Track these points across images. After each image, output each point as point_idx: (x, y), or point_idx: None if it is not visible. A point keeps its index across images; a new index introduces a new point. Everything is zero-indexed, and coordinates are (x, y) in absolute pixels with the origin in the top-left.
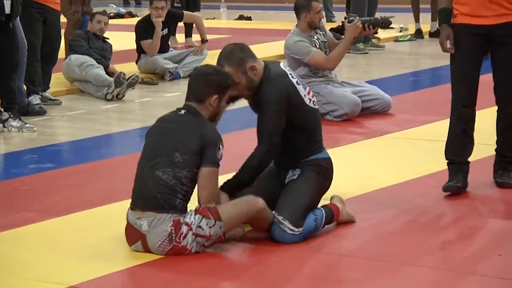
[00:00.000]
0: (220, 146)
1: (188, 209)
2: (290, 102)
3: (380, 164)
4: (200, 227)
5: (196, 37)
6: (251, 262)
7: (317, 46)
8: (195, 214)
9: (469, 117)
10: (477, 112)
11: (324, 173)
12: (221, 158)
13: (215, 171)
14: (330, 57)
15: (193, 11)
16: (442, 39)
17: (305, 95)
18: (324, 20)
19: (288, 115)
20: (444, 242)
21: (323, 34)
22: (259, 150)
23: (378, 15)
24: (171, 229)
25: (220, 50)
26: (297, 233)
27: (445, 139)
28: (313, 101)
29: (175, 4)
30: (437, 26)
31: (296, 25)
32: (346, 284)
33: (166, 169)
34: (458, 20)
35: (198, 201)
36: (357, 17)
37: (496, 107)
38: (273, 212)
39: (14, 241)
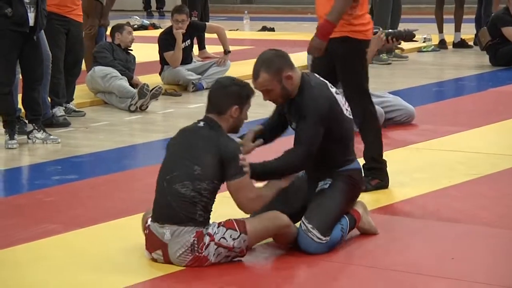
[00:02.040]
0: (240, 155)
1: (211, 221)
2: (331, 112)
3: (403, 175)
4: (224, 238)
5: (214, 49)
6: (275, 275)
7: None
8: (220, 226)
9: None
10: (499, 123)
11: (354, 184)
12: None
13: (241, 181)
14: None
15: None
16: None
17: (343, 105)
18: None
19: (328, 125)
20: (466, 253)
21: None
22: (297, 153)
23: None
24: (194, 240)
25: (243, 61)
26: (324, 241)
27: (469, 150)
28: (349, 111)
29: (193, 18)
30: (461, 37)
31: None
32: None
33: (185, 182)
34: None
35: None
36: (381, 29)
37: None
38: (302, 219)
39: (37, 252)
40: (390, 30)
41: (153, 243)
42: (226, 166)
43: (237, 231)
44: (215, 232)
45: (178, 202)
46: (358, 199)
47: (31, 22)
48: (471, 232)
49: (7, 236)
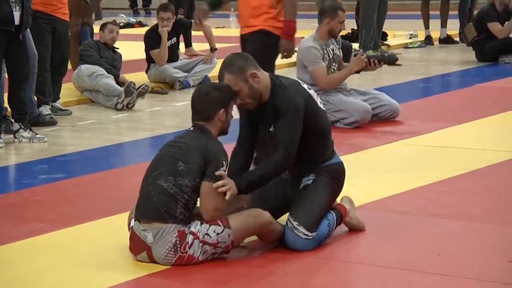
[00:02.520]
0: (224, 163)
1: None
2: (307, 109)
3: (390, 171)
4: (208, 234)
5: (201, 46)
6: (263, 272)
7: (330, 57)
8: (203, 224)
9: None
10: (485, 118)
11: (338, 177)
12: (225, 174)
13: (210, 186)
14: (330, 78)
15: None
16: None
17: (316, 98)
18: None
19: (305, 121)
20: (453, 248)
21: (338, 47)
22: (280, 155)
23: (388, 23)
24: (176, 240)
25: None
26: (311, 237)
27: (456, 146)
28: (322, 103)
29: (179, 15)
30: (447, 33)
31: (316, 30)
32: None
33: (168, 177)
34: None
35: (202, 218)
36: (361, 51)
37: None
38: (287, 217)
39: (25, 251)
40: (372, 53)
41: (137, 245)
42: (207, 165)
43: (220, 226)
44: (198, 230)
45: (160, 197)
46: (346, 195)
47: (17, 20)
48: (458, 228)
49: None
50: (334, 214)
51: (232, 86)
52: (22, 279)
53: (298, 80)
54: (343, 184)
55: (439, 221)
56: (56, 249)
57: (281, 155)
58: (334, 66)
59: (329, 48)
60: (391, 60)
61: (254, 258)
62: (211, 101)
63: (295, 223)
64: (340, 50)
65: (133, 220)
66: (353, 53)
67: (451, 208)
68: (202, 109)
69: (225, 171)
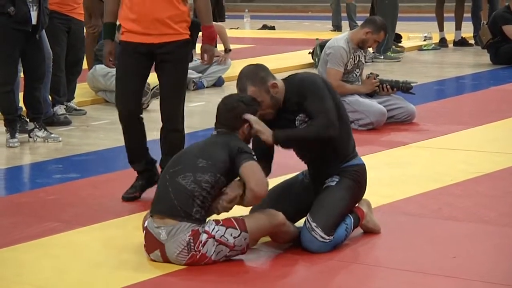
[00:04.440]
0: (250, 151)
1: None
2: (327, 84)
3: (405, 173)
4: (224, 236)
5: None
6: (279, 273)
7: (354, 62)
8: (219, 225)
9: None
10: (500, 121)
11: (360, 180)
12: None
13: (253, 163)
14: (339, 84)
15: (217, 21)
16: (104, 54)
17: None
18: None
19: (331, 96)
20: (468, 251)
21: (364, 55)
22: (322, 120)
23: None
24: (190, 238)
25: (244, 60)
26: (327, 241)
27: (471, 148)
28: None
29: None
30: (461, 35)
31: (351, 32)
32: None
33: (187, 174)
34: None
35: (252, 198)
36: (374, 74)
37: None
38: (307, 216)
39: (39, 251)
40: (387, 79)
41: (150, 243)
42: (235, 158)
43: (237, 229)
44: (213, 229)
45: (178, 194)
46: (365, 198)
47: (34, 20)
48: (473, 231)
49: (9, 234)
50: (352, 218)
51: (255, 98)
52: (37, 278)
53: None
54: (365, 187)
55: (454, 224)
56: (71, 249)
57: (323, 121)
58: (357, 72)
59: (357, 53)
60: (405, 88)
61: (270, 260)
62: (237, 115)
63: (313, 224)
64: (365, 58)
65: (147, 220)
66: (367, 74)
67: (466, 210)
68: (227, 122)
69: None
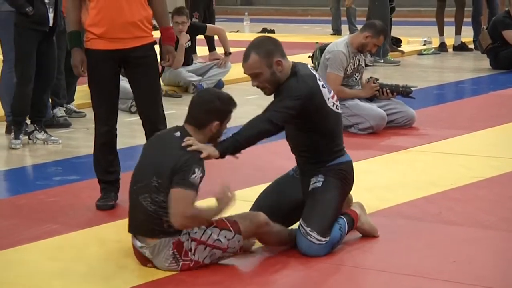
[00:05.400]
0: (196, 170)
1: None
2: (312, 102)
3: (404, 177)
4: (219, 240)
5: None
6: (276, 277)
7: (354, 66)
8: (211, 226)
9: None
10: (500, 126)
11: (346, 178)
12: (198, 182)
13: (183, 192)
14: (339, 89)
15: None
16: (75, 63)
17: (328, 99)
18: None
19: (308, 114)
20: (468, 255)
21: (364, 59)
22: (260, 118)
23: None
24: (173, 252)
25: None
26: (324, 242)
27: (470, 153)
28: (337, 105)
29: (193, 19)
30: (461, 40)
31: (351, 36)
32: None
33: (145, 195)
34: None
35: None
36: (373, 78)
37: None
38: (299, 222)
39: (39, 253)
40: (387, 83)
41: (141, 258)
42: (175, 174)
43: (231, 231)
44: (203, 235)
45: (144, 214)
46: (358, 201)
47: (51, 22)
48: (473, 235)
49: (10, 236)
50: (345, 219)
51: (255, 67)
52: (37, 279)
53: (316, 74)
54: (352, 184)
55: (454, 228)
56: (70, 251)
57: (261, 118)
58: (357, 76)
59: (356, 58)
60: (405, 93)
61: (264, 263)
62: (210, 110)
63: (308, 229)
64: (365, 62)
65: (132, 237)
66: (366, 79)
67: (466, 215)
68: (198, 115)
69: (201, 177)
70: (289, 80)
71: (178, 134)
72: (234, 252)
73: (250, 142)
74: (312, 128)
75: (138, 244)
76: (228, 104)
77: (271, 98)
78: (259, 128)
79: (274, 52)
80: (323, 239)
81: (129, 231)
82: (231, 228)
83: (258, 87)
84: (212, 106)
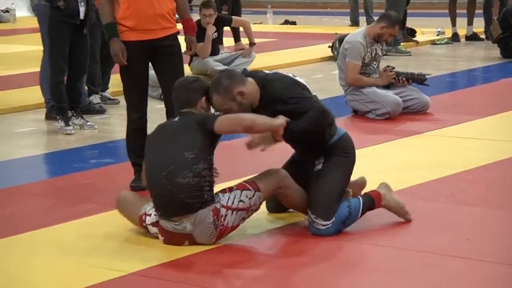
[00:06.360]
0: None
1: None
2: (295, 87)
3: (419, 160)
4: (241, 201)
5: (244, 40)
6: (291, 253)
7: (371, 55)
8: (233, 191)
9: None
10: (510, 111)
11: (346, 151)
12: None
13: (222, 117)
14: (357, 77)
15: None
16: (115, 51)
17: (304, 85)
18: (364, 24)
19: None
20: (480, 234)
21: (380, 48)
22: (311, 116)
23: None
24: (214, 218)
25: (267, 53)
26: (330, 224)
27: (482, 137)
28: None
29: (223, 12)
30: (473, 31)
31: (368, 27)
32: (383, 273)
33: (184, 172)
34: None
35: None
36: (390, 67)
37: None
38: (307, 209)
39: (79, 231)
40: (403, 71)
41: (176, 238)
42: (206, 129)
43: (251, 190)
44: (228, 200)
45: (187, 193)
46: (376, 186)
47: (82, 15)
48: (485, 215)
49: (49, 215)
50: (361, 198)
51: (221, 106)
52: (76, 255)
53: (280, 72)
54: (353, 154)
55: (466, 208)
56: (105, 229)
57: (313, 116)
58: (374, 65)
59: (373, 47)
60: (420, 80)
61: (281, 243)
62: (194, 89)
63: (313, 217)
64: (382, 51)
65: (152, 217)
66: (383, 67)
67: (478, 196)
68: (184, 97)
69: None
70: (266, 93)
71: (176, 119)
72: (255, 209)
73: (304, 129)
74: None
75: (174, 224)
76: (203, 81)
77: None
78: (315, 121)
79: (232, 86)
80: (328, 223)
81: (162, 216)
82: (250, 188)
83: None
84: (194, 85)
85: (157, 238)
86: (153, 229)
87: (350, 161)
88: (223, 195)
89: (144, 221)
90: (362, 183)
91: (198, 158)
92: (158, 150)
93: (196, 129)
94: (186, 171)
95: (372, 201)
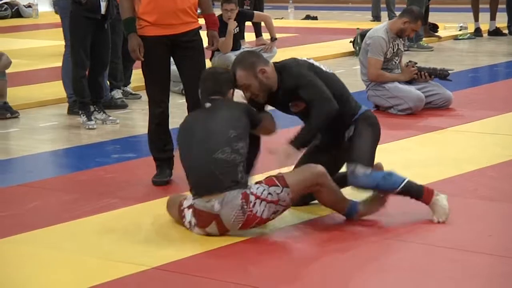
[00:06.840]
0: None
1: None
2: (313, 70)
3: (442, 155)
4: (270, 194)
5: (265, 35)
6: (323, 250)
7: (394, 51)
8: (261, 186)
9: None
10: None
11: (373, 122)
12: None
13: (264, 123)
14: (379, 73)
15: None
16: (133, 47)
17: (319, 65)
18: (386, 19)
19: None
20: (503, 230)
21: (403, 43)
22: (323, 108)
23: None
24: (242, 202)
25: (288, 48)
26: (368, 173)
27: (505, 133)
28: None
29: (245, 7)
30: (496, 26)
31: (390, 22)
32: (407, 269)
33: (224, 148)
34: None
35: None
36: (412, 62)
37: None
38: (346, 164)
39: (101, 225)
40: (425, 66)
41: (204, 218)
42: (253, 116)
43: (279, 186)
44: (257, 190)
45: (221, 169)
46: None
47: (103, 10)
48: (508, 210)
49: (72, 209)
50: (407, 179)
51: (243, 81)
52: (99, 249)
53: (295, 57)
54: (379, 126)
55: (490, 204)
56: (127, 223)
57: (325, 109)
58: (396, 60)
59: (395, 42)
60: (442, 76)
61: (313, 237)
62: (225, 80)
63: (352, 166)
64: (404, 46)
65: (189, 200)
66: (405, 63)
67: (501, 191)
68: (216, 87)
69: None
70: (283, 76)
71: (208, 104)
72: (286, 205)
73: (315, 130)
74: None
75: (205, 201)
76: (230, 73)
77: None
78: (325, 117)
79: (256, 63)
80: (367, 171)
81: (196, 194)
82: (278, 183)
83: (251, 97)
84: (224, 76)
85: (188, 228)
86: (188, 213)
87: (377, 129)
88: (256, 186)
89: (182, 207)
90: (379, 167)
91: (239, 137)
92: (200, 125)
93: (242, 114)
94: (226, 147)
95: (421, 193)
